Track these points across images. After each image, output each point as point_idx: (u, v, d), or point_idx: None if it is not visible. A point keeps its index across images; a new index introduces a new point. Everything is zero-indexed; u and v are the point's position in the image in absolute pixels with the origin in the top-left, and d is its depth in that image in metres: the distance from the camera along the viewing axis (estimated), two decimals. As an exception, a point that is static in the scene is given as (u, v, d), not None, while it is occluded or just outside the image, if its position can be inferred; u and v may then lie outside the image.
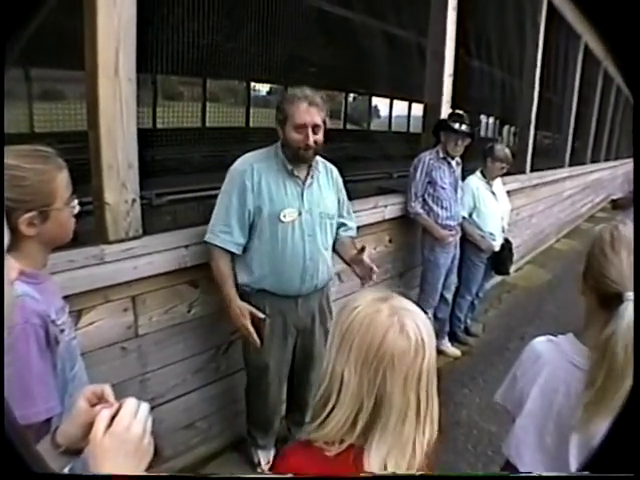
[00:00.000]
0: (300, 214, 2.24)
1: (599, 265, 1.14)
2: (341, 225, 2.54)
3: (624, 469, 0.66)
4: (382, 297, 1.00)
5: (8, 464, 0.57)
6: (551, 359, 1.23)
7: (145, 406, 0.81)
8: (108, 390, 0.87)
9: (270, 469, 2.59)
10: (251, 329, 2.24)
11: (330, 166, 2.46)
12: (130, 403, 0.80)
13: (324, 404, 0.96)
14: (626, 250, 1.10)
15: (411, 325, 0.95)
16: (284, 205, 2.20)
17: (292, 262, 2.25)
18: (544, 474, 1.19)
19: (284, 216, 2.20)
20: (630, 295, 1.04)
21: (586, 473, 0.89)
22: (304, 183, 2.27)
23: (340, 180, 2.52)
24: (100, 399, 0.86)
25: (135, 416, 0.79)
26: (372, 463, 0.94)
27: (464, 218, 3.84)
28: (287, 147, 2.21)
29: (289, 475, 1.02)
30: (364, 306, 0.98)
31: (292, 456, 1.05)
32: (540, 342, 1.30)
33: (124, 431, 0.77)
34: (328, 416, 0.95)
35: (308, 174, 2.29)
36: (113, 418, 0.78)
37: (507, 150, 3.97)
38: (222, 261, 2.23)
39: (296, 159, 2.23)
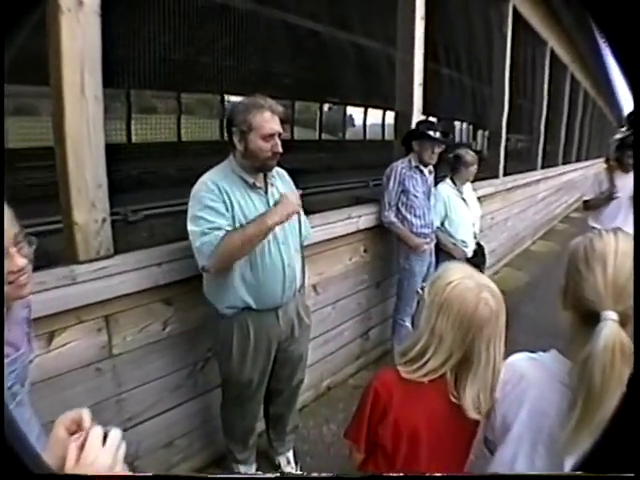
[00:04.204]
0: None
1: (575, 284, 1.11)
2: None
3: (624, 469, 0.66)
4: (468, 273, 1.36)
5: (7, 465, 0.57)
6: (538, 380, 1.19)
7: (115, 433, 0.78)
8: (85, 415, 0.83)
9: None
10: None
11: (280, 170, 2.42)
12: (94, 434, 0.77)
13: (422, 353, 1.34)
14: (600, 266, 1.06)
15: (491, 299, 1.30)
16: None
17: (272, 273, 2.24)
18: (544, 474, 1.17)
19: None
20: (608, 314, 1.01)
21: (587, 473, 0.88)
22: (266, 193, 2.25)
23: (292, 181, 2.48)
24: (79, 426, 0.82)
25: (102, 446, 0.76)
26: (467, 397, 1.31)
27: (436, 227, 3.87)
28: (252, 158, 2.16)
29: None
30: (457, 283, 1.32)
31: (385, 375, 1.44)
32: (520, 360, 1.27)
33: (90, 465, 0.74)
34: (426, 362, 1.33)
35: (267, 183, 2.27)
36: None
37: (471, 152, 4.05)
38: (225, 241, 2.05)
39: (261, 169, 2.20)
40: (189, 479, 1.78)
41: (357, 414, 1.48)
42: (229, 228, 2.09)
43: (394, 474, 1.12)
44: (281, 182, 2.38)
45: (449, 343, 1.30)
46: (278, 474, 2.71)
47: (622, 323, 1.01)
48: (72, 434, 0.81)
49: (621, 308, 1.01)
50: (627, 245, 1.08)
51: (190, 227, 2.11)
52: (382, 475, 1.40)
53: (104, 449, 0.76)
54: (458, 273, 1.36)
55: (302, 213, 2.49)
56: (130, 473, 0.79)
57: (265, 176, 2.26)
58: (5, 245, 1.08)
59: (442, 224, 3.92)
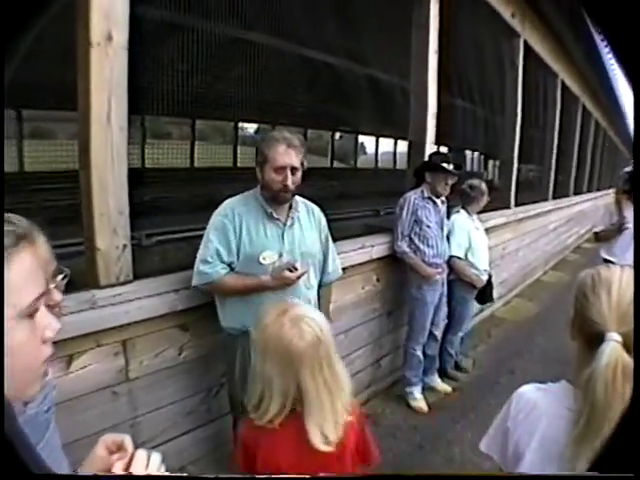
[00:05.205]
0: (281, 256, 2.26)
1: (582, 308, 1.16)
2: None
3: (624, 469, 0.66)
4: (283, 311, 1.39)
5: (7, 465, 0.58)
6: (548, 408, 1.19)
7: (157, 456, 0.83)
8: (128, 440, 0.88)
9: None
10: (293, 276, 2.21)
11: (312, 206, 2.49)
12: (139, 457, 0.82)
13: (261, 400, 1.37)
14: (605, 291, 1.12)
15: (307, 330, 1.35)
16: (263, 247, 2.23)
17: (274, 303, 2.25)
18: (544, 474, 1.17)
19: (263, 258, 2.22)
20: (612, 335, 1.05)
21: (587, 473, 0.88)
22: (285, 224, 2.30)
23: (323, 219, 2.54)
24: (119, 449, 0.87)
25: (146, 468, 0.81)
26: (312, 431, 1.34)
27: (459, 258, 3.91)
28: (266, 189, 2.25)
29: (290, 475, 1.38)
30: (271, 323, 1.37)
31: (249, 424, 1.44)
32: (530, 391, 1.26)
33: None
34: (268, 408, 1.36)
35: (288, 215, 2.32)
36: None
37: (484, 182, 4.16)
38: (222, 281, 2.23)
39: (275, 200, 2.26)
40: (192, 479, 1.79)
41: (239, 463, 1.51)
42: (232, 259, 2.22)
43: (390, 473, 1.15)
44: (307, 218, 2.42)
45: (280, 384, 1.34)
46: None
47: (625, 346, 1.04)
48: (111, 454, 0.87)
49: (624, 330, 1.05)
50: (631, 276, 1.14)
51: (201, 244, 2.26)
52: (382, 475, 1.49)
53: (148, 471, 0.81)
54: (272, 313, 1.41)
55: (332, 251, 2.59)
56: (144, 474, 0.82)
57: (290, 208, 2.32)
58: (45, 281, 0.99)
59: (465, 256, 3.96)
